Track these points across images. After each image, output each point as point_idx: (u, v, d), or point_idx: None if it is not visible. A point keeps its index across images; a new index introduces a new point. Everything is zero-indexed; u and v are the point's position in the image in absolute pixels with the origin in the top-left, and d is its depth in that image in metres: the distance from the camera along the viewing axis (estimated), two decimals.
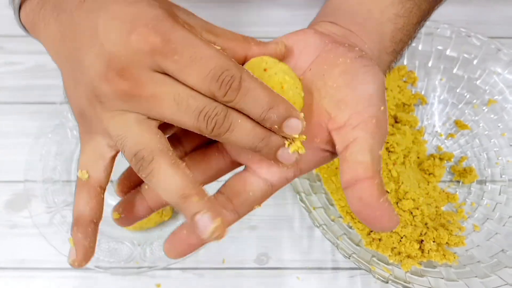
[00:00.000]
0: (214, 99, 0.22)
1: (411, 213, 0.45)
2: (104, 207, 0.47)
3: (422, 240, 0.43)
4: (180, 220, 0.47)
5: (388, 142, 0.48)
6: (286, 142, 0.24)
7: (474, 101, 0.52)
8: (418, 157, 0.50)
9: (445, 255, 0.42)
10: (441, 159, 0.50)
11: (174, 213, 0.47)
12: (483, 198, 0.48)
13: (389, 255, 0.42)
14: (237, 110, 0.23)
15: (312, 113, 0.27)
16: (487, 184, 0.49)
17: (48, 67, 0.57)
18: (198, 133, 0.23)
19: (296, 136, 0.24)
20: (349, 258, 0.39)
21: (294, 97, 0.26)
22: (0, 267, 0.46)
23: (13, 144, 0.52)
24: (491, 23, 0.61)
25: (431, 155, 0.50)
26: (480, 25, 0.59)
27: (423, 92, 0.53)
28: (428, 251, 0.42)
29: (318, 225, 0.40)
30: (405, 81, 0.52)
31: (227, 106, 0.22)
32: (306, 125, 0.24)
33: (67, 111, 0.52)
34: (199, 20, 0.25)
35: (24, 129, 0.52)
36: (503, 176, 0.49)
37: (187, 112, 0.22)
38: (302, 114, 0.23)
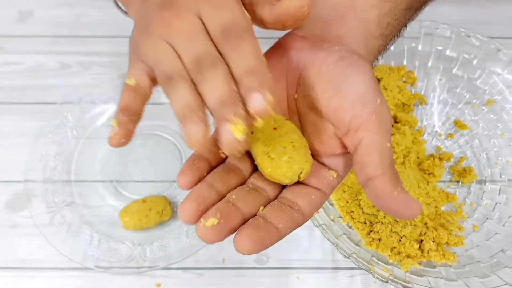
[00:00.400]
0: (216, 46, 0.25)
1: None
2: (105, 208, 0.47)
3: (421, 240, 0.43)
4: (180, 221, 0.47)
5: None
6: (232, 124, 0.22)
7: (474, 101, 0.52)
8: (417, 157, 0.50)
9: (444, 255, 0.42)
10: (440, 159, 0.50)
11: (174, 213, 0.47)
12: (483, 198, 0.48)
13: (389, 255, 0.42)
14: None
15: (321, 129, 0.27)
16: (486, 184, 0.49)
17: (48, 67, 0.57)
18: (176, 71, 0.25)
19: (255, 112, 0.22)
20: (348, 258, 0.39)
21: (306, 155, 0.26)
22: (0, 267, 0.46)
23: (13, 144, 0.52)
24: (490, 23, 0.61)
25: (431, 155, 0.50)
26: (480, 25, 0.59)
27: (422, 92, 0.53)
28: (428, 251, 0.42)
29: (317, 225, 0.40)
30: (404, 81, 0.52)
31: (219, 61, 0.24)
32: (320, 143, 0.26)
33: (67, 111, 0.52)
34: None
35: (24, 129, 0.52)
36: (503, 176, 0.49)
37: (189, 49, 0.25)
38: (271, 97, 0.22)
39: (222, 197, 0.26)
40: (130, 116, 0.27)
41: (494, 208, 0.47)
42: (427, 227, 0.44)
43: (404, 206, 0.25)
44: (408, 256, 0.42)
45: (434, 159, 0.49)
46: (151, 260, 0.44)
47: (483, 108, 0.51)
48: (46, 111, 0.53)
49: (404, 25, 0.33)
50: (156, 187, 0.50)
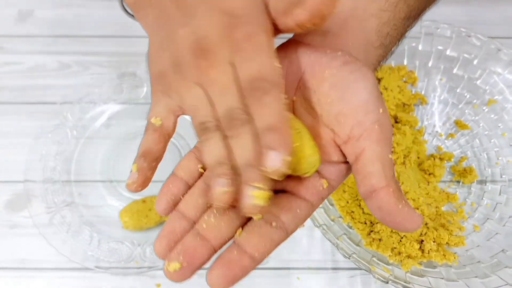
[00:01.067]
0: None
1: None
2: (105, 208, 0.47)
3: (422, 240, 0.43)
4: None
5: None
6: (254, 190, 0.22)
7: (474, 101, 0.51)
8: (418, 157, 0.50)
9: (445, 255, 0.42)
10: (441, 159, 0.50)
11: None
12: (483, 198, 0.48)
13: (389, 255, 0.42)
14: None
15: (317, 133, 0.27)
16: (487, 184, 0.48)
17: (48, 67, 0.57)
18: (211, 120, 0.25)
19: (269, 171, 0.22)
20: (349, 258, 0.39)
21: (315, 154, 0.25)
22: (0, 267, 0.45)
23: (13, 144, 0.52)
24: (491, 23, 0.61)
25: (431, 155, 0.50)
26: (480, 25, 0.59)
27: (423, 92, 0.53)
28: (428, 251, 0.42)
29: (318, 225, 0.40)
30: (405, 81, 0.52)
31: (249, 118, 0.24)
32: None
33: (66, 111, 0.52)
34: None
35: (24, 129, 0.52)
36: (503, 176, 0.48)
37: (222, 103, 0.25)
38: (288, 158, 0.22)
39: (194, 224, 0.26)
40: (151, 163, 0.28)
41: (494, 208, 0.47)
42: (428, 227, 0.44)
43: (408, 219, 0.24)
44: (409, 257, 0.42)
45: (434, 159, 0.49)
46: (151, 260, 0.44)
47: (484, 108, 0.51)
48: (46, 111, 0.52)
49: (403, 34, 0.33)
50: (156, 187, 0.49)
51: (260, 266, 0.46)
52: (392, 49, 0.32)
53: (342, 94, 0.26)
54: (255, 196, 0.22)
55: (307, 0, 0.24)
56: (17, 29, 0.60)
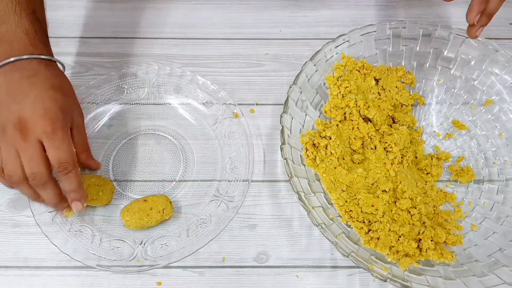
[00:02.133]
0: (51, 169, 0.41)
1: (409, 212, 0.45)
2: (106, 207, 0.47)
3: (420, 239, 0.44)
4: (181, 219, 0.48)
5: (386, 142, 0.48)
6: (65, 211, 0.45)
7: (472, 101, 0.52)
8: (416, 157, 0.50)
9: (443, 254, 0.42)
10: (438, 158, 0.50)
11: (175, 212, 0.48)
12: (481, 198, 0.48)
13: (387, 254, 0.42)
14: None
15: None
16: (484, 183, 0.49)
17: None
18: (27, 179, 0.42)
19: (74, 210, 0.44)
20: (347, 257, 0.39)
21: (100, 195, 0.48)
22: (4, 265, 0.46)
23: None
24: (489, 24, 0.61)
25: (429, 155, 0.50)
26: None
27: (421, 93, 0.53)
28: (426, 249, 0.42)
29: (317, 224, 0.40)
30: (403, 82, 0.53)
31: (49, 180, 0.42)
32: None
33: None
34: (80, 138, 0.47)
35: None
36: (501, 175, 0.49)
37: (30, 167, 0.41)
38: (84, 206, 0.44)
39: None
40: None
41: (492, 208, 0.47)
42: (425, 226, 0.45)
43: None
44: (407, 255, 0.42)
45: (432, 159, 0.50)
46: (152, 258, 0.45)
47: (481, 108, 0.51)
48: None
49: None
50: (157, 187, 0.50)
51: (259, 264, 0.47)
52: None
53: None
54: (66, 215, 0.46)
55: None
56: None
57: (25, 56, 0.42)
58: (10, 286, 0.45)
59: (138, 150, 0.52)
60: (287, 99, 0.46)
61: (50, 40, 0.59)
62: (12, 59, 0.42)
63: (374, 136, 0.48)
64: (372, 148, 0.48)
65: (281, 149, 0.43)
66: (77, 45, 0.59)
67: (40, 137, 0.40)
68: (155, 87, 0.54)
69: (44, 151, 0.40)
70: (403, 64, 0.53)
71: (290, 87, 0.47)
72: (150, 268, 0.44)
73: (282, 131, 0.44)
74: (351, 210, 0.45)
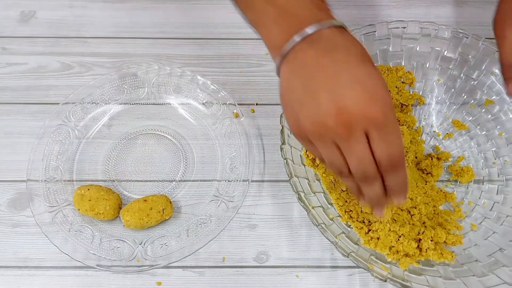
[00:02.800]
0: (377, 164, 0.33)
1: (409, 212, 0.45)
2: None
3: (420, 239, 0.43)
4: (181, 219, 0.48)
5: None
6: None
7: (472, 101, 0.52)
8: (416, 157, 0.50)
9: (443, 254, 0.42)
10: (438, 158, 0.50)
11: (175, 212, 0.47)
12: (481, 198, 0.48)
13: (387, 254, 0.42)
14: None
15: None
16: (484, 183, 0.49)
17: (50, 68, 0.57)
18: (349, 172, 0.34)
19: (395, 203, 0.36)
20: (347, 257, 0.39)
21: None
22: (3, 265, 0.46)
23: (15, 144, 0.52)
24: (488, 24, 0.61)
25: (429, 155, 0.50)
26: (477, 26, 0.59)
27: (421, 93, 0.53)
28: (426, 249, 0.42)
29: (317, 224, 0.40)
30: (403, 82, 0.53)
31: (377, 176, 0.34)
32: None
33: (68, 111, 0.52)
34: None
35: (26, 129, 0.53)
36: (501, 176, 0.49)
37: (356, 166, 0.33)
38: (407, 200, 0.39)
39: None
40: None
41: (492, 208, 0.47)
42: (425, 226, 0.45)
43: None
44: (407, 255, 0.42)
45: (432, 159, 0.50)
46: (152, 258, 0.45)
47: (481, 108, 0.51)
48: (48, 112, 0.53)
49: None
50: (157, 187, 0.50)
51: (259, 264, 0.46)
52: None
53: None
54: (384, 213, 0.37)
55: None
56: (20, 30, 0.60)
57: (325, 24, 0.33)
58: (10, 286, 0.45)
59: (138, 150, 0.52)
60: None
61: (50, 40, 0.59)
62: (309, 30, 0.33)
63: None
64: None
65: (281, 149, 0.43)
66: (77, 45, 0.59)
67: (367, 128, 0.31)
68: (155, 87, 0.54)
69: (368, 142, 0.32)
70: (403, 64, 0.53)
71: None
72: (150, 268, 0.44)
73: (282, 131, 0.44)
74: (351, 210, 0.45)
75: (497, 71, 0.50)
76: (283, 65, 0.34)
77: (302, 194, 0.42)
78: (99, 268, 0.44)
